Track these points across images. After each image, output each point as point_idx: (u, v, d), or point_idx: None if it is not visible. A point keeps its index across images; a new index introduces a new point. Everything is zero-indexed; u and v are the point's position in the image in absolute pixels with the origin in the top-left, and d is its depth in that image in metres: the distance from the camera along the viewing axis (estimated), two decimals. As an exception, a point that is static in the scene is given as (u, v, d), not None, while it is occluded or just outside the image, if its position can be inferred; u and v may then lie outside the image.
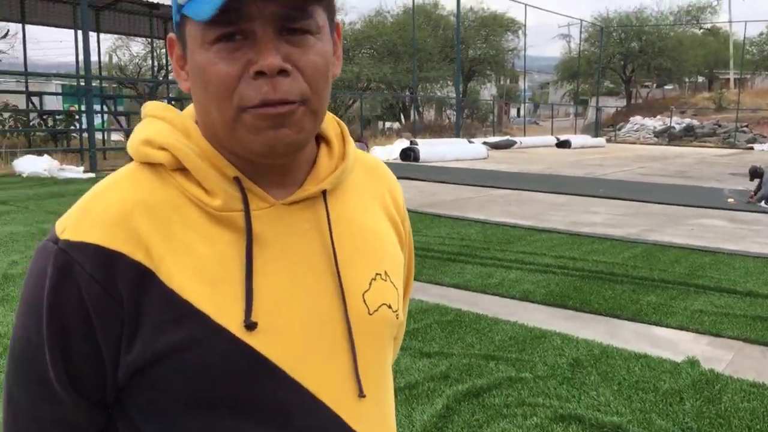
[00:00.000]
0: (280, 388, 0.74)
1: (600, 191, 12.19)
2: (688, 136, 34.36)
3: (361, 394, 0.79)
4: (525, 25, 35.49)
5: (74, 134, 17.86)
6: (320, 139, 0.85)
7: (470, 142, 22.98)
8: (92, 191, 0.77)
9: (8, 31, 25.54)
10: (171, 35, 0.79)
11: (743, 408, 3.32)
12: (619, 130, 37.15)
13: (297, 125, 0.73)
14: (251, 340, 0.72)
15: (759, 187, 11.16)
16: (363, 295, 0.82)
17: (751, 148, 29.56)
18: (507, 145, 26.13)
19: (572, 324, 4.63)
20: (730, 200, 11.25)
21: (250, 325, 0.72)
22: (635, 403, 3.34)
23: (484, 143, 23.51)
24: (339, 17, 0.80)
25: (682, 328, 4.57)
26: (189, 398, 0.73)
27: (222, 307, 0.72)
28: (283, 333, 0.75)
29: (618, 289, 5.43)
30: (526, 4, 32.66)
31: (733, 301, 5.14)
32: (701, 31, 46.12)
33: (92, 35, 18.48)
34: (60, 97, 23.31)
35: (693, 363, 3.87)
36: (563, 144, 28.19)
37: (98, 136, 18.43)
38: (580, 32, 40.42)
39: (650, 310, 4.91)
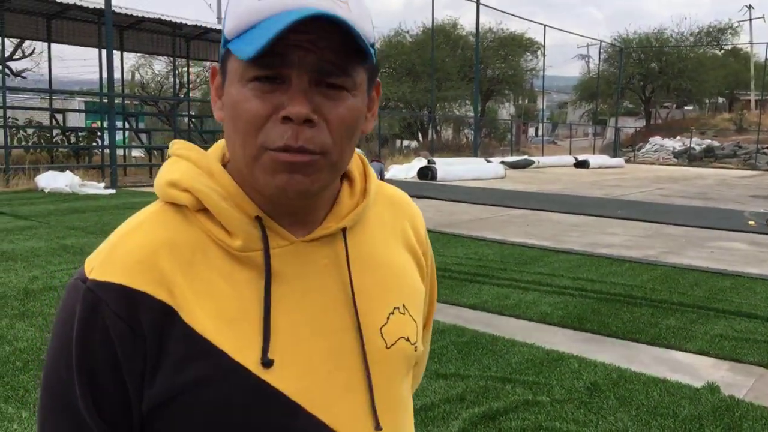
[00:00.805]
0: (298, 421, 0.76)
1: (618, 212, 12.11)
2: (708, 157, 34.11)
3: (378, 427, 0.81)
4: (544, 46, 35.58)
5: (96, 150, 18.10)
6: (344, 176, 0.87)
7: (488, 161, 22.97)
8: (119, 231, 0.80)
9: (34, 49, 26.06)
10: (215, 65, 0.83)
11: (765, 436, 3.27)
12: (639, 150, 36.97)
13: (312, 175, 0.74)
14: (268, 376, 0.75)
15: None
16: (380, 329, 0.83)
17: (773, 170, 29.27)
18: (525, 165, 26.11)
19: (590, 347, 4.59)
20: (751, 223, 11.12)
21: (267, 362, 0.75)
22: (654, 429, 3.29)
23: (502, 162, 23.50)
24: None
25: (702, 353, 4.51)
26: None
27: (240, 345, 0.75)
28: (301, 368, 0.77)
29: (636, 312, 5.37)
30: (545, 25, 33.07)
31: (754, 326, 5.07)
32: (722, 52, 45.87)
33: (116, 54, 18.80)
34: (83, 114, 23.67)
35: (713, 389, 3.82)
36: (581, 164, 28.11)
37: (119, 152, 18.67)
38: (599, 53, 40.41)
39: (669, 334, 4.86)
